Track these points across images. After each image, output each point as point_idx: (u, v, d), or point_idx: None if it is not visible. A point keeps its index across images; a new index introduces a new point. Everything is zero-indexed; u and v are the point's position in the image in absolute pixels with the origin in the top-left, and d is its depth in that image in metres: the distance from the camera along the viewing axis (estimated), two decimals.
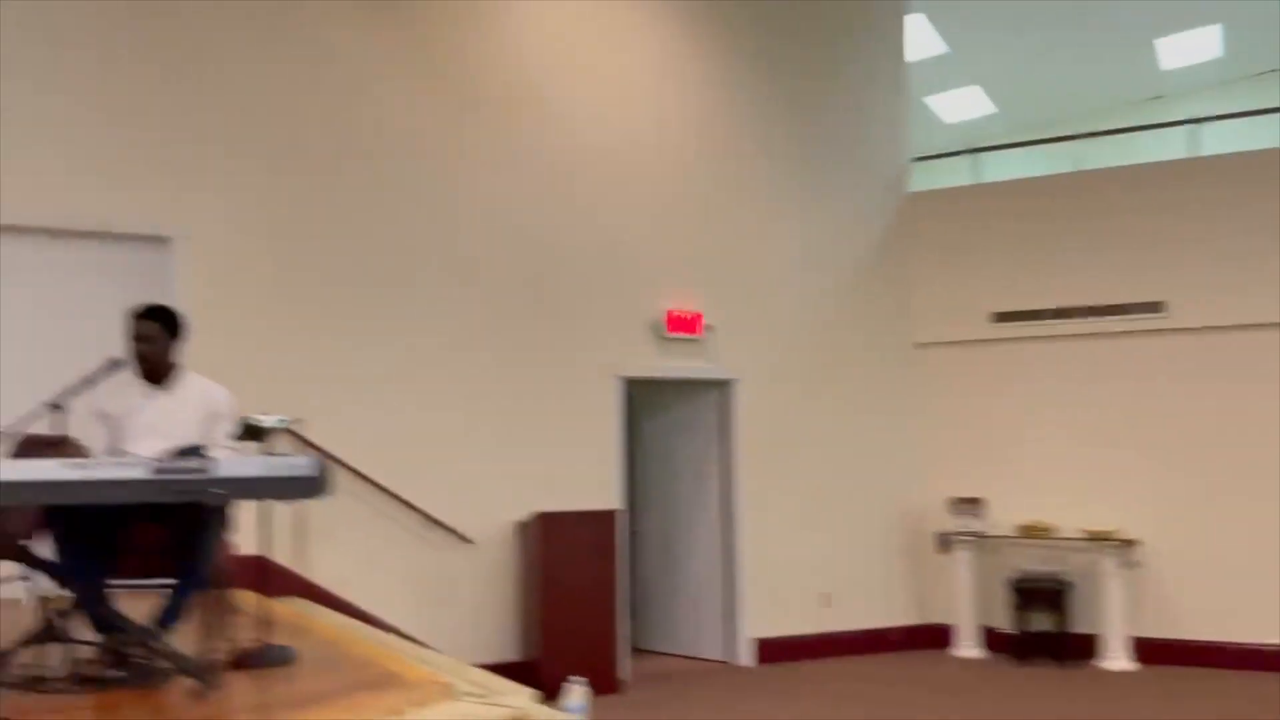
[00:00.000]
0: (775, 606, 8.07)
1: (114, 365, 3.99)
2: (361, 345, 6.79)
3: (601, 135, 7.78)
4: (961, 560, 8.39)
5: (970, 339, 8.73)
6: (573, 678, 3.42)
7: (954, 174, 9.37)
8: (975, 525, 8.34)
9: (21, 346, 5.93)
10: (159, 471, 3.32)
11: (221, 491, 3.36)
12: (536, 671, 6.50)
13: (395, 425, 6.82)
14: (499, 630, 7.06)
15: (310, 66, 6.83)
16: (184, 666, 3.49)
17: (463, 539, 6.94)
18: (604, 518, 7.07)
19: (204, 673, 3.45)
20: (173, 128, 6.36)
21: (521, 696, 3.44)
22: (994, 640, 8.33)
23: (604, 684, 6.79)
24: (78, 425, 4.02)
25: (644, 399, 8.14)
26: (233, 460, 3.42)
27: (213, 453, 3.52)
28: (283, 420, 3.89)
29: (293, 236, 6.69)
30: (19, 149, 5.87)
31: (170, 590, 3.76)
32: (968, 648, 8.36)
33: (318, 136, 6.81)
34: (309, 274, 6.70)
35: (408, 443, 6.84)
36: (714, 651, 8.02)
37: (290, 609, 4.68)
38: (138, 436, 3.97)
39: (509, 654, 6.97)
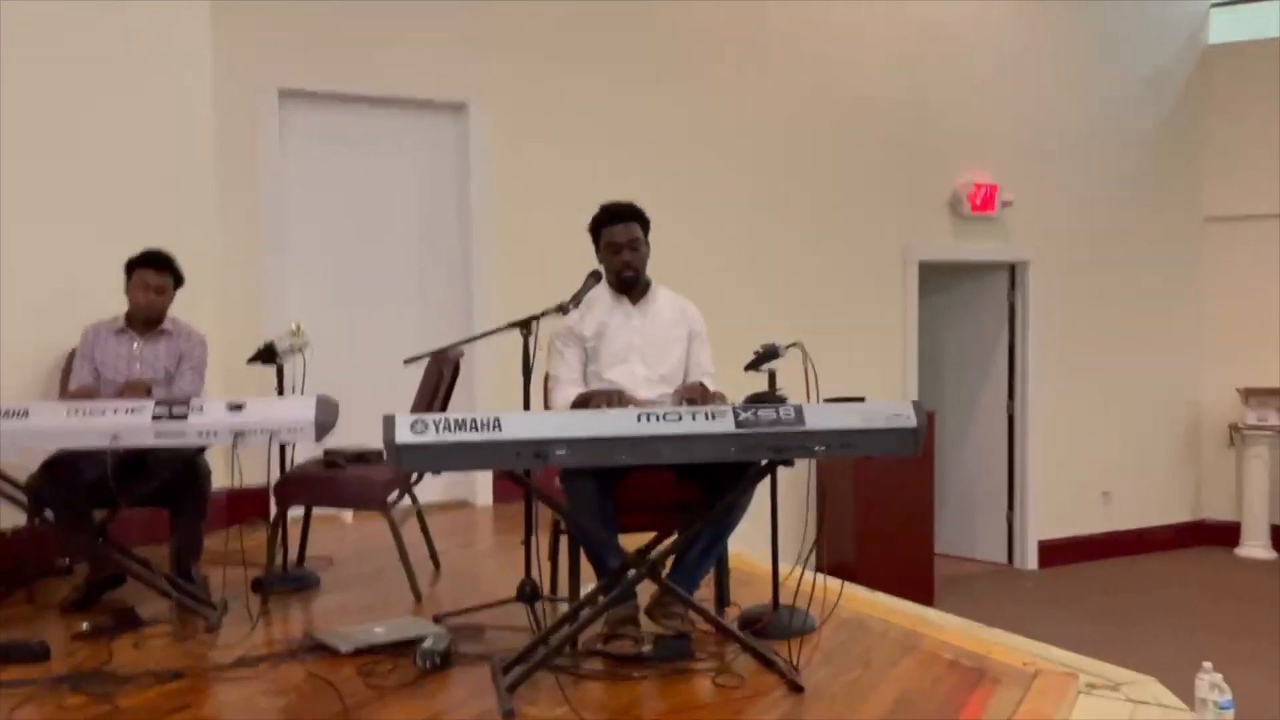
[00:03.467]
0: (1057, 507, 7.52)
1: (595, 279, 3.33)
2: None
3: None
4: (1255, 455, 7.74)
5: (1269, 213, 7.82)
6: (1206, 665, 2.83)
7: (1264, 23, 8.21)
8: (1274, 419, 7.65)
9: (328, 213, 5.39)
10: (743, 425, 2.70)
11: (820, 448, 2.74)
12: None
13: None
14: (801, 540, 6.55)
15: None
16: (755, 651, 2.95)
17: None
18: None
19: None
20: None
21: (1151, 687, 2.88)
22: None
23: (921, 595, 6.35)
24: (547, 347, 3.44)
25: (921, 281, 7.39)
26: (824, 410, 2.77)
27: (785, 400, 2.87)
28: (794, 343, 3.23)
29: (583, 101, 5.89)
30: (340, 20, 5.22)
31: (683, 551, 3.18)
32: (1255, 547, 7.79)
33: None
34: (601, 140, 5.92)
35: None
36: (994, 554, 7.52)
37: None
38: (615, 361, 3.35)
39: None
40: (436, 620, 3.38)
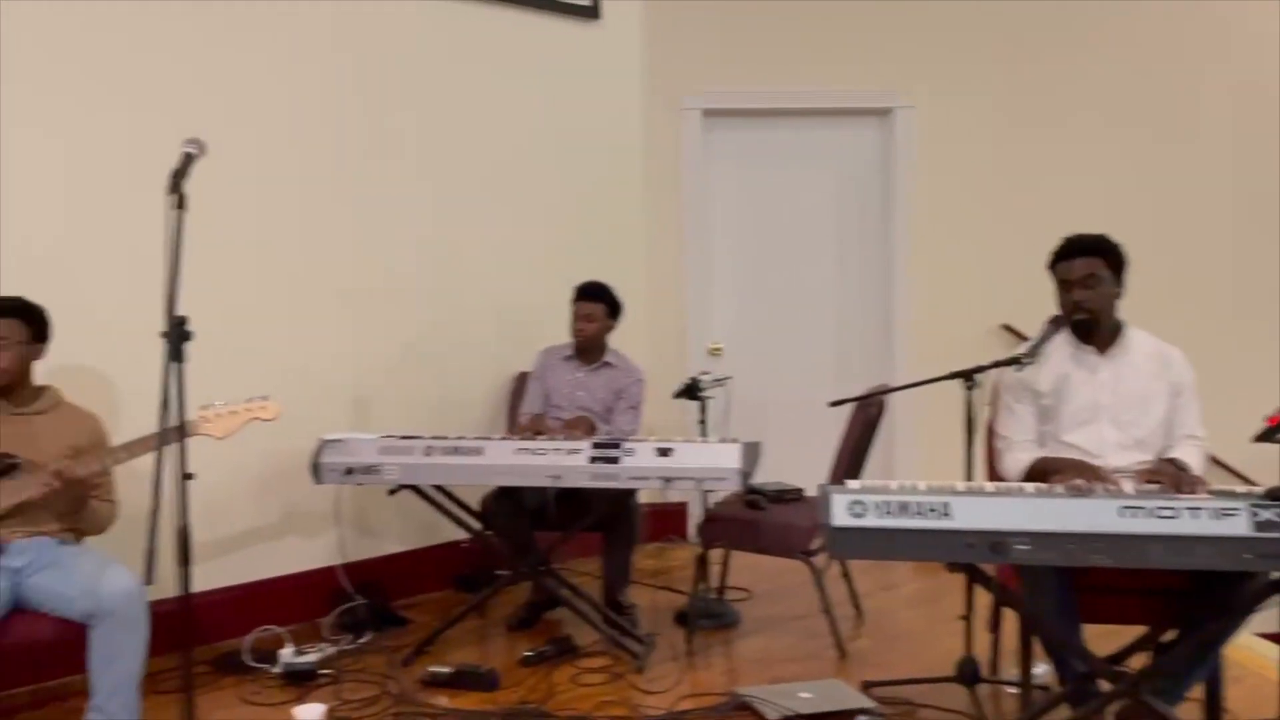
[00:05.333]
0: None
1: (1054, 326, 2.90)
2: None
3: None
4: None
5: None
6: None
7: None
8: None
9: (746, 235, 5.30)
10: (1264, 528, 2.17)
11: None
12: None
13: None
14: None
15: None
16: None
17: (1244, 480, 5.41)
18: None
19: None
20: None
21: None
22: None
23: None
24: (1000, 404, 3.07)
25: None
26: None
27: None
28: None
29: (1019, 103, 5.27)
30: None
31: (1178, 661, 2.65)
32: None
33: None
34: (1038, 145, 5.27)
35: None
36: None
37: None
38: (1079, 423, 2.87)
39: None
40: (865, 689, 3.16)
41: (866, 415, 3.61)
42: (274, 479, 3.85)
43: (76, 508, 2.81)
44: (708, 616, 3.89)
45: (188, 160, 2.35)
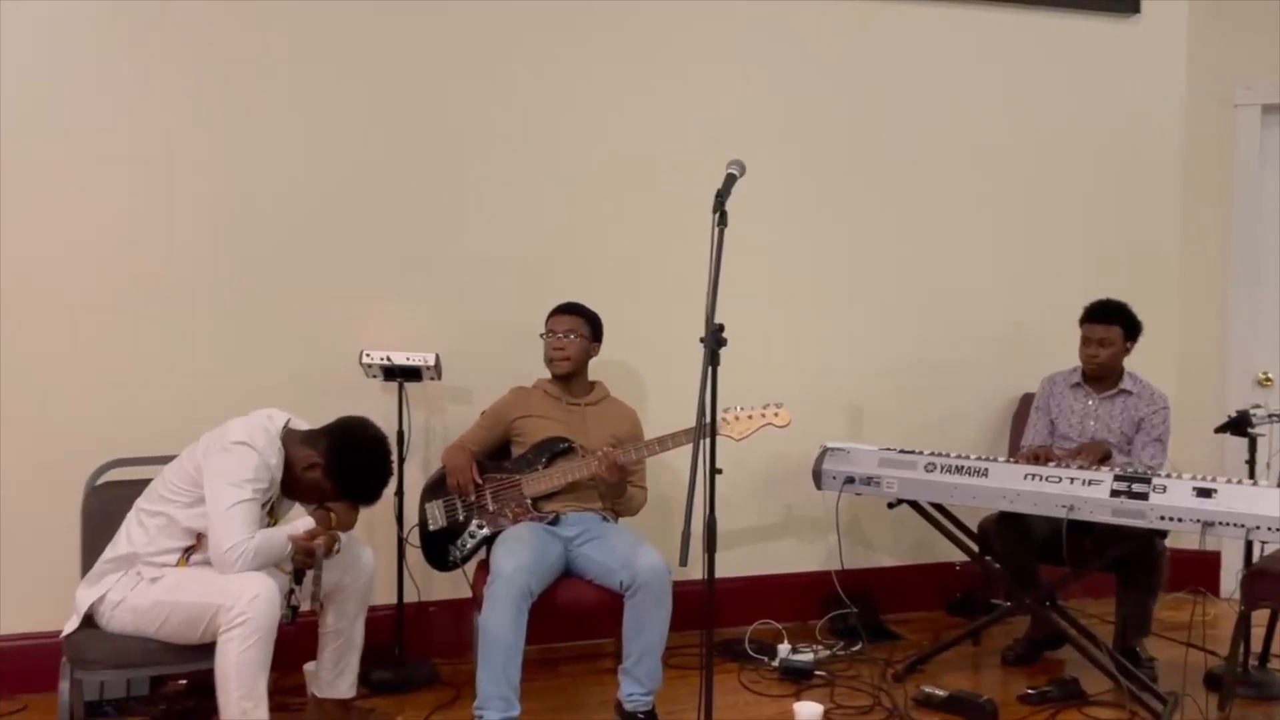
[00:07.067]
0: None
1: None
2: None
3: None
4: None
5: None
6: None
7: None
8: None
9: None
10: None
11: None
12: None
13: None
14: None
15: None
16: None
17: None
18: None
19: None
20: None
21: None
22: None
23: None
24: None
25: None
26: None
27: None
28: None
29: None
30: None
31: None
32: None
33: None
34: None
35: None
36: None
37: None
38: None
39: None
40: None
41: None
42: (777, 480, 4.04)
43: (618, 491, 3.18)
44: (1247, 685, 3.38)
45: (730, 181, 2.52)
